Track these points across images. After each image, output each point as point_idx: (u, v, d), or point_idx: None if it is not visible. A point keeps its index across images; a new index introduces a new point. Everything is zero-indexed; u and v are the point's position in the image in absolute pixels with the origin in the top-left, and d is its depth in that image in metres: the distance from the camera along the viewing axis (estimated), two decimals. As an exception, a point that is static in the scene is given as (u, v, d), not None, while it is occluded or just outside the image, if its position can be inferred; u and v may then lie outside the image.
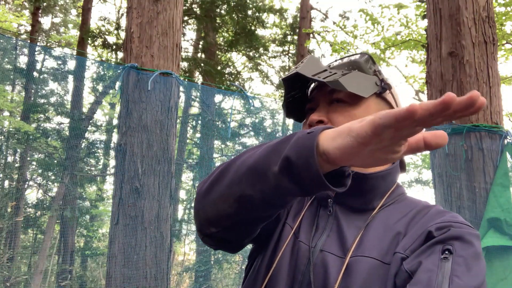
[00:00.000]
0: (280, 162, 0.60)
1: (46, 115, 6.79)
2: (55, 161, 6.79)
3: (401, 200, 0.84)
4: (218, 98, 5.57)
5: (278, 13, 11.42)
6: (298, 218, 0.86)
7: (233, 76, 10.22)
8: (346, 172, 0.62)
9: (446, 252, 0.66)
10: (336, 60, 0.91)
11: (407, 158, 10.37)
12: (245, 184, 0.66)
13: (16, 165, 7.28)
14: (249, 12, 9.71)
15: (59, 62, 5.97)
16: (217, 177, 0.73)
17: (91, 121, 7.45)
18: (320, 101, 0.88)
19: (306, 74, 0.83)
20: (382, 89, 0.87)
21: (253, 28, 9.84)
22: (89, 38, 9.07)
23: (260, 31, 11.21)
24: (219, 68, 9.97)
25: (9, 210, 6.29)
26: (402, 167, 0.91)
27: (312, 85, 0.93)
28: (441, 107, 0.46)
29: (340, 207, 0.83)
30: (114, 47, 9.48)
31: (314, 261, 0.77)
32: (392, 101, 0.90)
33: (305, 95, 0.94)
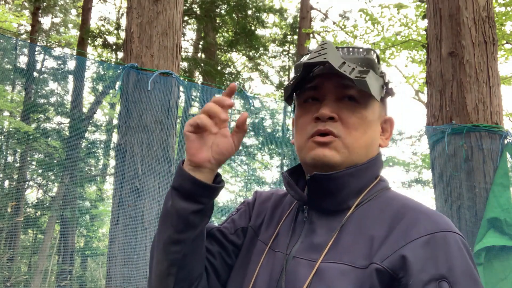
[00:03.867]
0: (171, 195, 0.78)
1: (46, 115, 6.79)
2: (55, 161, 6.79)
3: (379, 197, 0.80)
4: (218, 98, 5.56)
5: (278, 13, 11.42)
6: (275, 231, 0.87)
7: (233, 76, 10.22)
8: (217, 174, 0.82)
9: None
10: (344, 48, 0.84)
11: (407, 158, 10.36)
12: (161, 234, 0.80)
13: (16, 165, 7.28)
14: (249, 12, 9.70)
15: (59, 62, 5.97)
16: (149, 265, 0.86)
17: (91, 121, 7.45)
18: (327, 93, 0.81)
19: (334, 65, 0.76)
20: (386, 93, 0.87)
21: (253, 28, 9.84)
22: (89, 38, 9.07)
23: (260, 31, 11.21)
24: (219, 68, 9.96)
25: (9, 210, 6.29)
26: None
27: (317, 70, 0.84)
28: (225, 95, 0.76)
29: (316, 212, 0.82)
30: (114, 47, 9.48)
31: (287, 269, 0.77)
32: (388, 107, 0.90)
33: (304, 78, 0.85)
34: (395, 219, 0.74)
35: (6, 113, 7.91)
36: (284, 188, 0.88)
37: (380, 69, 0.84)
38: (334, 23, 11.73)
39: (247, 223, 0.95)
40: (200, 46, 10.87)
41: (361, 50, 0.84)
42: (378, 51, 8.13)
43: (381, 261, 0.69)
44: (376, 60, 0.83)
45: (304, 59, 0.83)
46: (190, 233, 0.79)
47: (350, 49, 0.84)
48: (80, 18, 10.58)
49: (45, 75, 6.53)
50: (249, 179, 6.05)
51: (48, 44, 12.66)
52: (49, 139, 6.68)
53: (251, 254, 0.87)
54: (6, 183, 7.26)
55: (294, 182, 0.85)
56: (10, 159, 7.34)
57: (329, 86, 0.82)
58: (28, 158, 7.00)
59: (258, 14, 9.81)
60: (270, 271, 0.80)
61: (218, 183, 0.80)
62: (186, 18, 9.43)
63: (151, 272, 0.84)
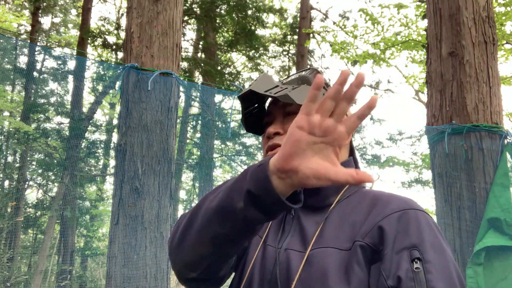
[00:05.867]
0: (243, 198, 0.69)
1: (46, 115, 6.79)
2: (55, 161, 6.79)
3: (357, 194, 0.90)
4: (218, 98, 5.58)
5: (278, 13, 11.42)
6: (266, 227, 0.95)
7: (233, 76, 10.22)
8: (298, 190, 0.71)
9: (416, 261, 0.72)
10: (287, 77, 1.00)
11: (407, 158, 10.36)
12: (215, 225, 0.75)
13: (16, 165, 7.28)
14: (249, 12, 9.70)
15: (59, 62, 5.97)
16: (187, 225, 0.82)
17: (91, 121, 7.45)
18: (276, 115, 0.96)
19: (258, 90, 0.91)
20: None
21: (253, 28, 9.84)
22: (89, 38, 9.06)
23: (260, 31, 11.21)
24: (219, 68, 9.96)
25: (9, 210, 6.29)
26: (356, 163, 1.00)
27: (269, 101, 1.02)
28: (340, 82, 0.62)
29: (302, 209, 0.90)
30: (114, 47, 9.47)
31: (280, 260, 0.85)
32: None
33: (263, 110, 1.04)
34: (372, 204, 0.84)
35: (6, 113, 7.91)
36: None
37: None
38: (334, 23, 11.73)
39: None
40: (200, 46, 10.87)
41: (297, 73, 0.99)
42: (378, 51, 8.10)
43: (362, 238, 0.78)
44: (312, 76, 0.95)
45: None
46: (247, 237, 0.80)
47: (295, 74, 1.00)
48: (80, 18, 10.58)
49: (45, 75, 6.53)
50: (249, 179, 6.03)
51: (48, 44, 12.66)
52: (49, 139, 6.68)
53: (250, 244, 0.96)
54: (6, 183, 7.26)
55: None
56: (10, 159, 7.35)
57: (275, 109, 0.97)
58: (28, 158, 7.00)
59: (258, 14, 9.81)
60: (265, 263, 0.88)
61: (299, 199, 0.72)
62: (186, 18, 9.43)
63: (186, 234, 0.81)
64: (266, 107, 1.04)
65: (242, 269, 0.92)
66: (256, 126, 1.05)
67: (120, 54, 9.89)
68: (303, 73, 0.98)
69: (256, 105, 1.03)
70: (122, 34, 9.88)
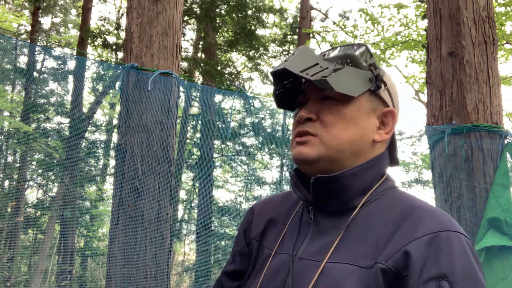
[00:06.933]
0: None
1: (46, 115, 6.79)
2: (55, 161, 6.79)
3: (385, 196, 0.81)
4: (218, 98, 5.57)
5: (278, 13, 11.41)
6: (280, 234, 0.88)
7: (233, 76, 10.22)
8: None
9: None
10: (333, 48, 0.86)
11: (407, 158, 10.36)
12: None
13: (16, 165, 7.28)
14: (249, 12, 9.70)
15: (59, 62, 5.97)
16: None
17: (91, 121, 7.45)
18: (311, 96, 0.85)
19: (294, 70, 0.79)
20: (376, 86, 0.83)
21: (253, 28, 9.83)
22: (89, 38, 9.06)
23: (260, 31, 11.20)
24: (219, 68, 9.96)
25: (9, 210, 6.29)
26: (393, 159, 0.90)
27: None
28: None
29: (321, 213, 0.82)
30: (114, 47, 9.47)
31: (293, 270, 0.78)
32: (387, 98, 0.87)
33: (298, 84, 0.90)
34: (401, 218, 0.74)
35: (6, 113, 7.91)
36: (288, 188, 0.89)
37: (368, 62, 0.83)
38: (334, 23, 11.72)
39: (243, 244, 0.98)
40: (200, 46, 10.87)
41: (342, 47, 0.84)
42: (378, 51, 8.10)
43: (385, 261, 0.70)
44: (359, 54, 0.82)
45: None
46: None
47: (341, 48, 0.85)
48: (80, 18, 10.57)
49: (45, 75, 6.53)
50: (249, 179, 6.05)
51: (48, 44, 12.66)
52: (49, 139, 6.68)
53: (258, 261, 0.89)
54: (6, 183, 7.26)
55: (302, 182, 0.85)
56: (10, 159, 7.35)
57: (311, 89, 0.85)
58: (28, 158, 7.00)
59: (258, 14, 9.81)
60: (276, 273, 0.81)
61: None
62: (186, 18, 9.43)
63: None
64: (302, 83, 0.90)
65: (255, 279, 0.86)
66: (289, 102, 0.91)
67: (120, 54, 9.89)
68: (350, 50, 0.83)
69: (291, 80, 0.89)
70: (122, 34, 9.88)
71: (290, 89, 0.90)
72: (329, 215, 0.81)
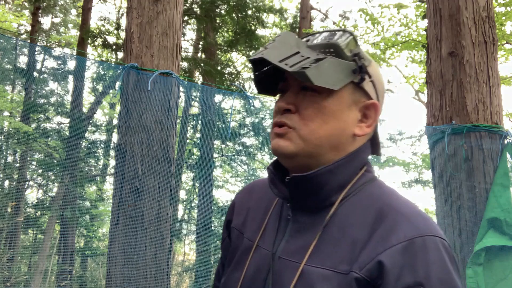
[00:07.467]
0: None
1: (46, 115, 6.79)
2: (55, 161, 6.79)
3: (364, 191, 0.79)
4: (218, 98, 5.57)
5: (278, 13, 11.41)
6: (262, 226, 0.86)
7: (233, 76, 10.21)
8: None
9: None
10: (317, 33, 0.81)
11: (407, 158, 10.36)
12: None
13: (16, 165, 7.28)
14: (249, 12, 9.70)
15: (59, 62, 5.97)
16: None
17: (91, 121, 7.45)
18: (291, 85, 0.80)
19: (272, 59, 0.73)
20: (361, 79, 0.78)
21: (253, 28, 9.83)
22: (89, 38, 9.06)
23: (260, 31, 11.20)
24: (219, 68, 9.96)
25: (9, 210, 6.29)
26: (375, 150, 0.87)
27: None
28: None
29: (300, 210, 0.81)
30: (114, 47, 9.47)
31: (273, 269, 0.78)
32: (371, 90, 0.81)
33: (279, 70, 0.82)
34: (376, 220, 0.73)
35: (6, 113, 7.91)
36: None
37: (352, 52, 0.78)
38: (334, 23, 11.73)
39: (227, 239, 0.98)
40: (200, 46, 10.87)
41: (326, 34, 0.79)
42: (378, 51, 8.09)
43: (360, 270, 0.69)
44: (343, 44, 0.76)
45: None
46: None
47: (317, 35, 0.80)
48: (80, 18, 10.57)
49: (45, 75, 6.53)
50: (249, 179, 6.05)
51: (48, 44, 12.65)
52: (49, 139, 6.68)
53: (238, 252, 0.88)
54: (6, 183, 7.26)
55: (279, 178, 0.83)
56: (10, 159, 7.34)
57: (292, 78, 0.80)
58: (28, 158, 7.00)
59: (258, 14, 9.80)
60: (258, 271, 0.81)
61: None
62: (186, 18, 9.43)
63: None
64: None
65: (238, 271, 0.85)
66: (270, 87, 0.87)
67: (120, 54, 9.89)
68: (333, 38, 0.77)
69: (270, 67, 0.84)
70: (122, 34, 9.88)
71: (271, 74, 0.86)
72: (307, 212, 0.80)
